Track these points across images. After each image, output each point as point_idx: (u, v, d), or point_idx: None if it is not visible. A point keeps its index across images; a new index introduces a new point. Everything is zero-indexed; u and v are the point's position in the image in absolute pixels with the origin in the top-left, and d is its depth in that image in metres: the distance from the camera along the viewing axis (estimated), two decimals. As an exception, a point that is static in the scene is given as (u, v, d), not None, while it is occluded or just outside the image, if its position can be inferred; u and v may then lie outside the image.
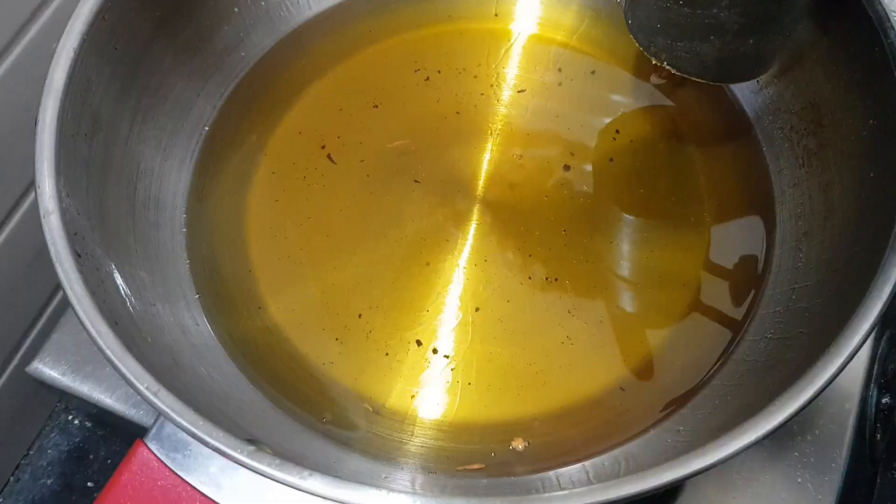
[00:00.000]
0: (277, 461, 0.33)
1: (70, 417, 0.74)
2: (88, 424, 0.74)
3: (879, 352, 0.50)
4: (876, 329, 0.50)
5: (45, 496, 0.72)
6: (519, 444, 0.44)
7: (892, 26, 0.41)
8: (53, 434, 0.74)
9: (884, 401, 0.51)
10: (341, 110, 0.55)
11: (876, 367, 0.50)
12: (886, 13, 0.42)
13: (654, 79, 0.54)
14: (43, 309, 0.67)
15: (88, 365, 0.53)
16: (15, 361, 0.65)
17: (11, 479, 0.72)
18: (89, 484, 0.74)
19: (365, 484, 0.33)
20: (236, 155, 0.54)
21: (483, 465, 0.43)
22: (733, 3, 0.37)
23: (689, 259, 0.50)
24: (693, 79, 0.47)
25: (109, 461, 0.74)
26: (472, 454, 0.45)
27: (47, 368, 0.53)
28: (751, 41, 0.40)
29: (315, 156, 0.54)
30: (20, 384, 0.66)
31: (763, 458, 0.47)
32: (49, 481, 0.72)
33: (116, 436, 0.74)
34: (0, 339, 0.63)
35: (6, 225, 0.59)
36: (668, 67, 0.44)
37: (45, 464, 0.73)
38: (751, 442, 0.32)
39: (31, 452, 0.73)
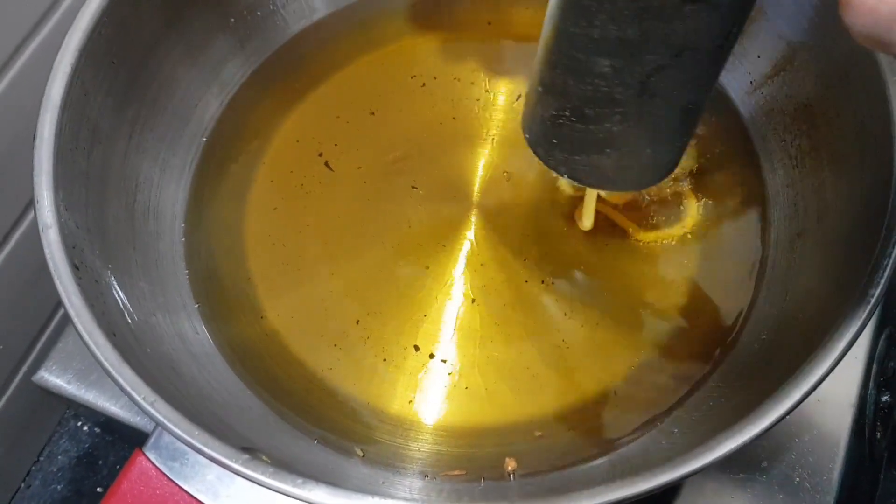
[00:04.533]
0: (271, 469, 0.33)
1: (79, 424, 0.75)
2: (97, 430, 0.75)
3: (878, 351, 0.50)
4: (875, 328, 0.50)
5: (55, 502, 0.72)
6: (510, 467, 0.44)
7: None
8: (63, 440, 0.75)
9: (884, 399, 0.51)
10: (338, 118, 0.56)
11: (875, 366, 0.50)
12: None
13: None
14: (50, 318, 0.68)
15: (93, 373, 0.54)
16: (23, 370, 0.66)
17: (22, 485, 0.73)
18: (99, 489, 0.74)
19: (359, 491, 0.33)
20: (234, 164, 0.54)
21: (465, 471, 0.44)
22: (625, 118, 0.34)
23: (684, 261, 0.50)
24: (597, 190, 0.46)
25: (118, 466, 0.74)
26: (469, 458, 0.45)
27: (53, 377, 0.54)
28: (648, 151, 0.38)
29: (313, 163, 0.54)
30: (29, 392, 0.67)
31: (761, 458, 0.47)
32: (59, 487, 0.73)
33: (124, 442, 0.74)
34: (8, 349, 0.64)
35: (11, 236, 0.60)
36: (568, 180, 0.42)
37: (55, 469, 0.74)
38: (736, 447, 0.32)
39: (41, 459, 0.74)
